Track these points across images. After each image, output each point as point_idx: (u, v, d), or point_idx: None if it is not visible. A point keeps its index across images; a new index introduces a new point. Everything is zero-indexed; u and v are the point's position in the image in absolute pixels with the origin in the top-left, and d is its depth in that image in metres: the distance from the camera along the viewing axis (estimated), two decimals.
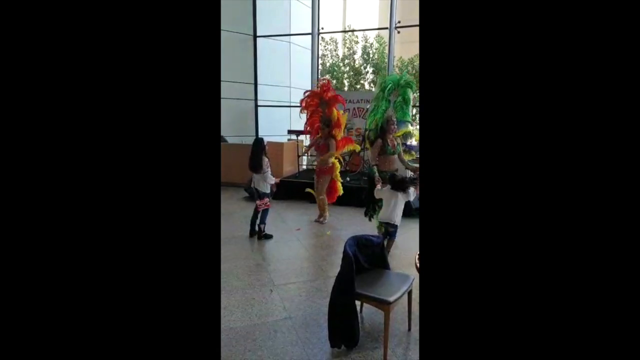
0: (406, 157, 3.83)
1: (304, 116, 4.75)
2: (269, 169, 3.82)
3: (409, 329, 2.26)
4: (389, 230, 3.27)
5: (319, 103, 4.55)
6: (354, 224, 4.43)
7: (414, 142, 4.31)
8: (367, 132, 4.49)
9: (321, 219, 4.56)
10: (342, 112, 4.69)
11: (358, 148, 5.17)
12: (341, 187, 4.72)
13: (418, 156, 4.11)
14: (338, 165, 4.66)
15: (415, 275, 2.26)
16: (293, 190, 5.64)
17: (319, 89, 4.66)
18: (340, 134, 4.50)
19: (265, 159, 3.80)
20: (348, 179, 5.93)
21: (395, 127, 3.72)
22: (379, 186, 3.41)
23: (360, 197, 4.84)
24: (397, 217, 3.22)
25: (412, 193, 3.19)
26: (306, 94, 4.70)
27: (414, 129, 4.19)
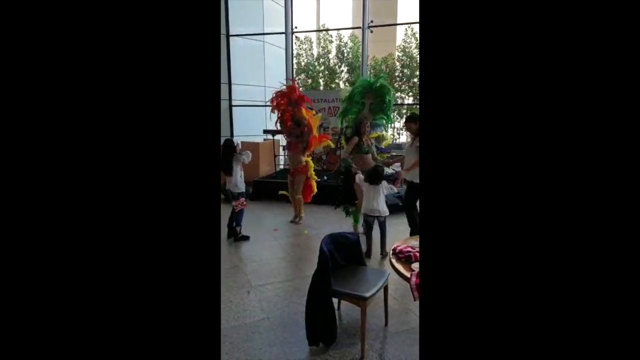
0: (379, 157, 3.95)
1: (274, 116, 4.77)
2: (245, 155, 3.83)
3: (386, 324, 2.30)
4: (369, 223, 3.42)
5: (288, 103, 4.58)
6: (332, 222, 4.45)
7: (382, 145, 4.43)
8: (343, 129, 4.54)
9: (297, 219, 4.55)
10: (313, 112, 4.72)
11: (332, 145, 5.24)
12: (315, 185, 4.73)
13: (389, 157, 4.24)
14: (312, 164, 4.68)
15: (390, 271, 2.31)
16: (270, 190, 5.60)
17: (286, 89, 4.70)
18: (313, 132, 4.52)
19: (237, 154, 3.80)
20: (325, 177, 5.95)
21: (369, 128, 3.82)
22: (360, 175, 3.48)
23: (336, 195, 4.88)
24: (382, 208, 3.35)
25: (387, 188, 3.31)
26: (275, 94, 4.72)
27: (389, 130, 4.30)
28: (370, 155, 3.82)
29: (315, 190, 4.73)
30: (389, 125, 4.33)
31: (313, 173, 4.67)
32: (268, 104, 4.97)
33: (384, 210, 3.35)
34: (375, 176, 3.32)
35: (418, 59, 13.32)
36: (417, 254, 1.93)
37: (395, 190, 3.45)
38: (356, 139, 3.73)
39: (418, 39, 13.40)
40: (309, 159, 4.66)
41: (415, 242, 2.22)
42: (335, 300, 2.21)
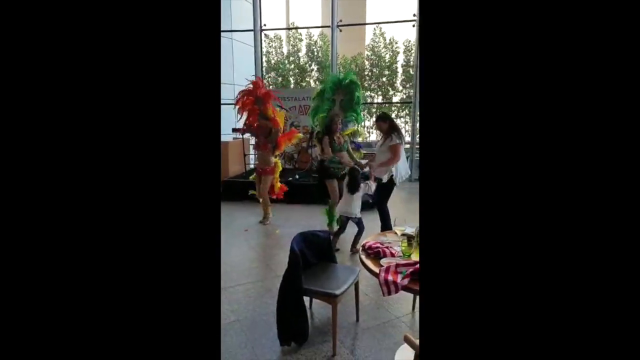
0: (355, 155, 3.98)
1: (243, 115, 4.66)
2: None
3: (357, 320, 2.32)
4: (344, 224, 3.45)
5: (255, 101, 4.47)
6: (303, 220, 4.45)
7: (359, 139, 4.46)
8: (315, 130, 4.54)
9: (265, 221, 4.50)
10: (278, 109, 4.66)
11: (300, 136, 5.24)
12: (278, 187, 4.70)
13: (365, 153, 4.28)
14: (280, 166, 4.64)
15: (360, 267, 2.33)
16: (240, 190, 5.51)
17: (252, 87, 4.57)
18: (281, 131, 4.47)
19: None
20: (297, 176, 5.93)
21: (341, 125, 3.83)
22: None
23: (308, 194, 4.87)
24: (357, 209, 3.40)
25: (366, 188, 3.35)
26: (240, 94, 4.59)
27: (361, 127, 4.33)
28: (344, 153, 3.84)
29: (277, 191, 4.69)
30: (359, 124, 4.37)
31: (278, 177, 4.63)
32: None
33: (358, 213, 3.40)
34: (353, 185, 3.34)
35: (386, 58, 13.52)
36: (386, 250, 1.95)
37: (373, 188, 3.46)
38: (327, 138, 3.74)
39: (386, 39, 13.60)
40: (279, 160, 4.62)
41: (384, 237, 2.25)
42: (306, 299, 2.21)
